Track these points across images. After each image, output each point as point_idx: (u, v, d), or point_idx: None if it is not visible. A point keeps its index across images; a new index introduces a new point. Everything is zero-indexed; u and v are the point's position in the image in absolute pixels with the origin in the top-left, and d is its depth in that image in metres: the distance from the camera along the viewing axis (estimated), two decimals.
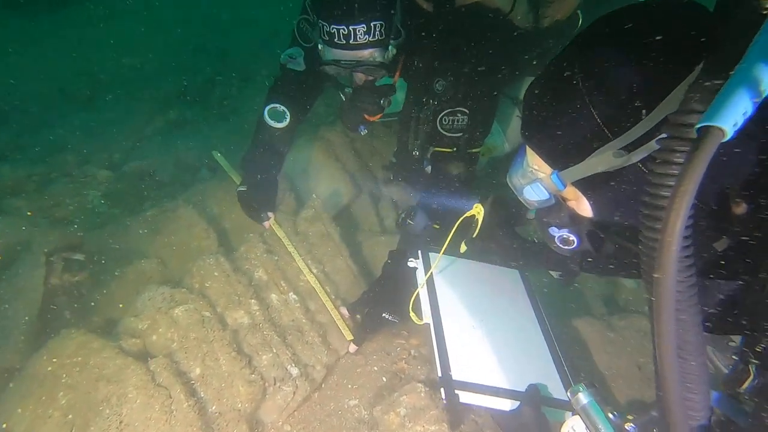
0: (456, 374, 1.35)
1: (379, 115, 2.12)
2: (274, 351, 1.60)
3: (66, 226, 2.16)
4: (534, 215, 1.08)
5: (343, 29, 1.65)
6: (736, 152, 0.68)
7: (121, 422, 1.20)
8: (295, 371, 1.58)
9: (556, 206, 0.99)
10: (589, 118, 0.78)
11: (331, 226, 2.26)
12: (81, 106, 3.53)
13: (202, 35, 4.98)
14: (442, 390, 1.30)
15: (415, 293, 1.63)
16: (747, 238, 0.77)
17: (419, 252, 1.80)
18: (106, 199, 2.46)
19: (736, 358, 0.97)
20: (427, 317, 1.56)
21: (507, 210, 1.54)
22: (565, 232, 0.99)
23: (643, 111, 0.73)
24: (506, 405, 1.34)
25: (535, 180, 0.94)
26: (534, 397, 1.27)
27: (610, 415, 1.01)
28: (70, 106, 3.48)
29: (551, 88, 0.85)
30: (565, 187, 0.88)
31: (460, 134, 2.02)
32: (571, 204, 0.96)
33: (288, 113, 2.13)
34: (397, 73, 2.02)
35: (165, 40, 4.86)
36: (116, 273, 1.85)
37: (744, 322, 0.85)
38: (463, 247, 1.63)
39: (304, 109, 2.32)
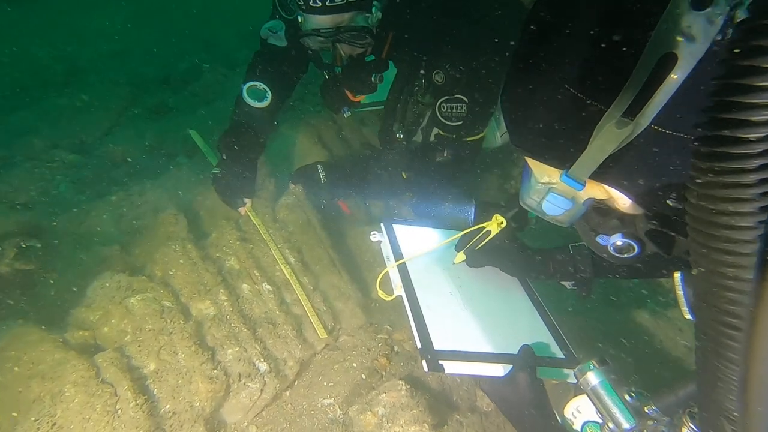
0: (438, 343, 1.20)
1: (362, 96, 1.99)
2: (242, 345, 1.46)
3: (25, 212, 2.00)
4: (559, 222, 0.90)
5: None
6: None
7: (53, 425, 1.05)
8: (263, 367, 1.44)
9: (597, 210, 0.83)
10: (569, 97, 0.64)
11: (312, 214, 2.12)
12: (55, 90, 3.36)
13: (187, 22, 4.83)
14: (424, 363, 1.14)
15: (384, 272, 1.46)
16: None
17: (382, 224, 1.64)
18: (72, 185, 2.31)
19: None
20: (398, 288, 1.40)
21: (519, 220, 1.39)
22: (618, 238, 0.82)
23: (630, 55, 0.58)
24: (498, 370, 1.18)
25: (549, 191, 0.80)
26: (528, 358, 1.11)
27: (627, 397, 0.86)
28: (42, 91, 3.32)
29: (519, 89, 0.72)
30: (583, 186, 0.73)
31: (459, 122, 1.90)
32: (613, 204, 0.80)
33: (269, 92, 1.98)
34: (385, 51, 1.89)
35: (148, 28, 4.71)
36: (74, 260, 1.70)
37: None
38: (460, 258, 1.49)
39: (288, 88, 2.17)
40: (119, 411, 1.13)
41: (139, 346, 1.31)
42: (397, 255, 1.51)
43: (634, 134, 0.62)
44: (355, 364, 1.58)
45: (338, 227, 2.18)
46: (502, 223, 1.36)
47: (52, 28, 4.49)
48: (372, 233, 1.60)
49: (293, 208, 2.09)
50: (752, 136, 0.42)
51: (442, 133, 1.95)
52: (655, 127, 0.61)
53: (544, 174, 0.79)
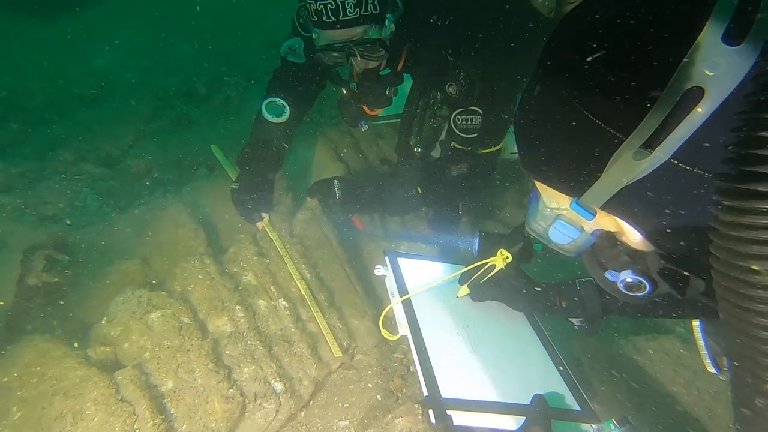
0: (445, 392, 1.13)
1: (379, 110, 1.99)
2: (257, 363, 1.46)
3: (53, 224, 2.07)
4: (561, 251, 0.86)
5: (330, 3, 1.52)
6: None
7: None
8: (279, 387, 1.43)
9: (606, 243, 0.79)
10: (587, 123, 0.61)
11: (329, 229, 2.12)
12: (85, 104, 3.49)
13: (209, 36, 4.96)
14: (430, 412, 1.08)
15: (388, 307, 1.40)
16: None
17: (386, 258, 1.60)
18: (98, 197, 2.38)
19: None
20: (404, 328, 1.34)
21: (524, 254, 1.35)
22: (629, 275, 0.78)
23: (656, 86, 0.55)
24: (510, 423, 1.11)
25: (557, 218, 0.77)
26: (542, 410, 1.04)
27: None
28: (73, 105, 3.45)
29: (537, 111, 0.69)
30: (593, 215, 0.70)
31: (474, 135, 1.88)
32: (623, 238, 0.76)
33: (287, 108, 2.01)
34: (401, 64, 1.89)
35: (172, 42, 4.86)
36: (98, 274, 1.74)
37: None
38: (464, 291, 1.44)
39: (306, 104, 2.20)
40: (137, 431, 1.14)
41: (157, 363, 1.32)
42: (402, 290, 1.45)
43: (651, 167, 0.60)
44: (370, 385, 1.56)
45: (354, 243, 2.17)
46: (507, 258, 1.31)
47: (82, 43, 4.68)
48: (377, 267, 1.57)
49: (310, 223, 2.09)
50: None
51: (457, 145, 1.93)
52: (675, 162, 0.59)
53: (553, 200, 0.76)
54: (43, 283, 1.66)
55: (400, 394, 1.55)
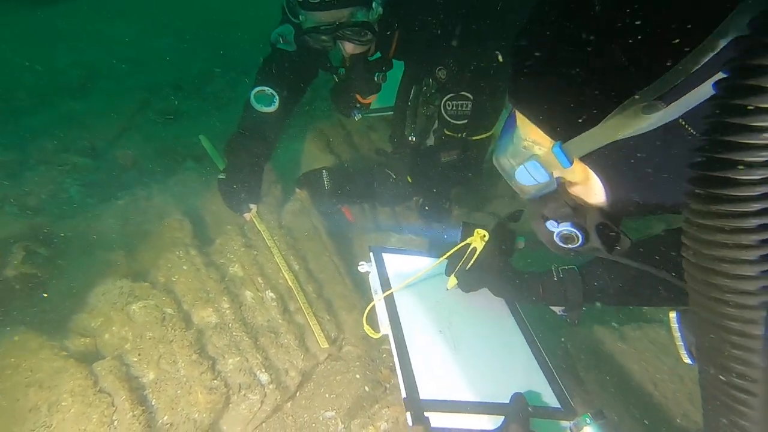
0: (424, 393, 1.12)
1: (373, 97, 1.96)
2: (243, 354, 1.43)
3: (34, 216, 2.02)
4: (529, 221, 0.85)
5: None
6: None
7: None
8: (264, 378, 1.40)
9: (555, 193, 0.76)
10: (611, 56, 0.54)
11: (318, 221, 2.10)
12: (71, 95, 3.42)
13: (202, 29, 4.89)
14: (408, 415, 1.07)
15: (371, 305, 1.39)
16: None
17: (371, 253, 1.57)
18: (82, 188, 2.33)
19: None
20: (385, 327, 1.32)
21: (505, 237, 1.33)
22: (567, 227, 0.76)
23: (688, 42, 0.49)
24: (488, 423, 1.10)
25: (531, 158, 0.71)
26: (521, 409, 1.03)
27: None
28: (59, 95, 3.38)
29: (550, 24, 0.60)
30: (571, 164, 0.65)
31: (465, 121, 1.84)
32: (576, 189, 0.73)
33: (277, 97, 1.96)
34: (392, 50, 1.85)
35: (164, 34, 4.78)
36: (79, 265, 1.70)
37: None
38: (452, 282, 1.42)
39: (296, 94, 2.15)
40: (116, 422, 1.11)
41: (139, 354, 1.29)
42: (385, 286, 1.44)
43: (656, 124, 0.55)
44: (358, 376, 1.54)
45: (344, 234, 2.15)
46: (484, 236, 1.30)
47: (72, 34, 4.59)
48: (360, 263, 1.55)
49: (299, 214, 2.07)
50: (754, 177, 0.38)
51: (447, 132, 1.89)
52: (682, 122, 0.55)
53: (530, 136, 0.70)
54: (22, 274, 1.62)
55: (388, 385, 1.53)
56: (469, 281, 1.38)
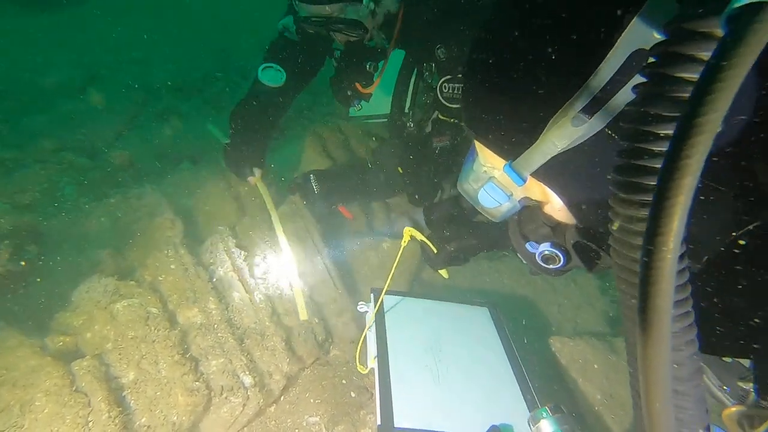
0: (399, 421, 1.17)
1: (372, 88, 1.95)
2: (227, 356, 1.40)
3: (26, 213, 2.02)
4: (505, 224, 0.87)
5: None
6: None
7: None
8: (248, 380, 1.37)
9: (531, 214, 0.78)
10: (532, 78, 0.58)
11: (311, 224, 2.08)
12: (71, 96, 3.45)
13: (204, 33, 4.94)
14: None
15: (362, 336, 1.46)
16: None
17: (372, 294, 1.64)
18: (77, 187, 2.33)
19: (748, 388, 0.73)
20: (372, 361, 1.39)
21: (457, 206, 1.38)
22: (547, 248, 0.78)
23: (601, 48, 0.51)
24: None
25: (489, 180, 0.74)
26: None
27: None
28: (61, 96, 3.41)
29: (481, 65, 0.65)
30: (524, 181, 0.67)
31: (459, 105, 1.82)
32: (547, 209, 0.75)
33: (284, 73, 1.99)
34: (396, 30, 1.83)
35: (167, 38, 4.83)
36: (67, 263, 1.68)
37: (759, 342, 0.59)
38: (446, 274, 1.49)
39: (303, 75, 2.16)
40: (91, 423, 1.08)
41: (119, 354, 1.27)
42: (380, 325, 1.50)
43: (587, 135, 0.57)
44: (344, 381, 1.51)
45: (337, 238, 2.13)
46: (412, 234, 1.40)
47: (76, 37, 4.65)
48: (359, 304, 1.61)
49: (291, 217, 2.05)
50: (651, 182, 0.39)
51: (441, 116, 1.86)
52: (609, 132, 0.55)
53: (488, 160, 0.74)
54: (8, 271, 1.60)
55: (374, 391, 1.50)
56: (442, 259, 1.43)
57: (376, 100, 2.22)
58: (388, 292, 1.64)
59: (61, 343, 1.28)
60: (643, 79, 0.41)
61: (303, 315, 1.54)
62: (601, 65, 0.52)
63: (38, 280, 1.61)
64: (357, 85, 1.88)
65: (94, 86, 3.71)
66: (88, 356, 1.24)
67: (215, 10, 5.67)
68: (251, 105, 1.96)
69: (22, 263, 1.66)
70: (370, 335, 1.46)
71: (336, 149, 2.65)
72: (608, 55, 0.51)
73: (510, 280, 2.02)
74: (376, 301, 1.58)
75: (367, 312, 1.59)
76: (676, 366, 0.42)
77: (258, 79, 1.97)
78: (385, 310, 1.57)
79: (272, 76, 1.95)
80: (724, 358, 0.80)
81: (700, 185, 0.43)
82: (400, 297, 1.67)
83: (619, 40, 0.50)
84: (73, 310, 1.38)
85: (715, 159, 0.46)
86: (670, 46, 0.37)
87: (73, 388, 1.12)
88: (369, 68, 1.79)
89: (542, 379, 1.44)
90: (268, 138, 1.99)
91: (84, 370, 1.17)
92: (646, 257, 0.38)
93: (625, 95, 0.53)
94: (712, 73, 0.34)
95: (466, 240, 1.40)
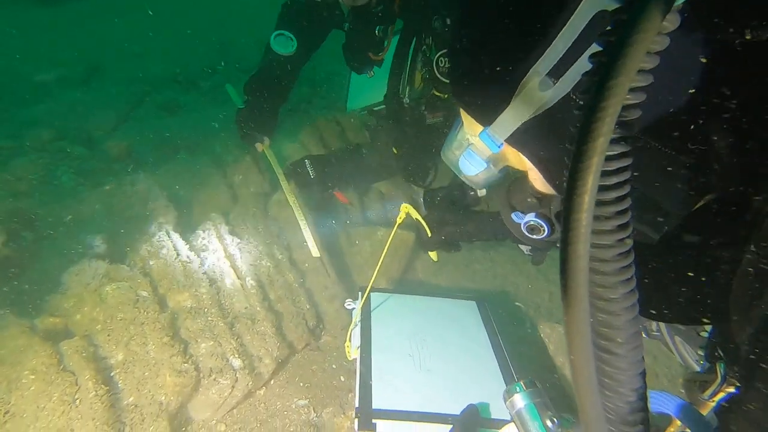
0: (377, 402, 1.19)
1: (383, 55, 1.96)
2: (216, 339, 1.41)
3: (22, 199, 2.03)
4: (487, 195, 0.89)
5: None
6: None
7: (6, 412, 1.02)
8: (237, 363, 1.38)
9: (520, 185, 0.79)
10: (503, 40, 0.57)
11: (305, 212, 2.08)
12: (72, 87, 3.46)
13: (205, 26, 4.94)
14: (356, 421, 1.13)
15: (349, 332, 1.50)
16: (736, 191, 0.51)
17: (360, 293, 1.67)
18: (74, 176, 2.34)
19: (702, 354, 0.74)
20: (355, 351, 1.43)
21: (451, 194, 1.39)
22: (531, 218, 0.79)
23: (565, 13, 0.50)
24: (436, 431, 1.15)
25: (468, 147, 0.75)
26: (469, 419, 1.08)
27: (549, 423, 0.78)
28: (63, 87, 3.43)
29: (465, 23, 0.65)
30: (498, 147, 0.67)
31: None
32: (530, 178, 0.74)
33: (295, 41, 2.04)
34: (397, 2, 1.81)
35: (169, 31, 4.83)
36: (61, 247, 1.70)
37: (715, 309, 0.59)
38: (435, 257, 1.54)
39: (314, 39, 2.19)
40: (77, 401, 1.09)
41: (108, 335, 1.27)
42: (366, 319, 1.54)
43: (554, 100, 0.56)
44: (334, 366, 1.51)
45: (332, 226, 2.13)
46: (408, 211, 1.42)
47: (78, 30, 4.67)
48: (347, 301, 1.65)
49: (285, 204, 2.05)
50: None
51: (436, 92, 1.84)
52: (574, 97, 0.55)
53: (470, 127, 0.74)
54: (3, 256, 1.62)
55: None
56: (433, 242, 1.44)
57: (375, 88, 2.21)
58: (376, 290, 1.71)
59: (51, 324, 1.29)
60: (599, 48, 0.40)
61: (315, 252, 1.58)
62: (564, 28, 0.51)
63: (33, 265, 1.63)
64: (369, 54, 1.88)
65: (94, 78, 3.73)
66: (76, 336, 1.25)
67: (214, 4, 5.67)
68: (264, 74, 2.04)
69: (17, 248, 1.67)
70: (356, 331, 1.49)
71: (333, 141, 2.65)
72: (571, 18, 0.50)
73: (503, 270, 2.01)
74: (363, 297, 1.60)
75: (354, 309, 1.62)
76: (610, 329, 0.42)
77: (270, 47, 2.02)
78: (372, 307, 1.60)
79: (284, 44, 2.01)
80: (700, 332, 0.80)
81: (660, 149, 0.42)
82: (388, 294, 1.72)
83: (581, 3, 0.49)
84: (63, 293, 1.39)
85: (672, 127, 0.45)
86: (623, 13, 0.37)
87: (61, 367, 1.13)
88: (378, 33, 1.78)
89: (531, 363, 1.43)
90: (278, 107, 2.09)
91: (72, 349, 1.18)
92: (564, 219, 0.38)
93: (586, 60, 0.52)
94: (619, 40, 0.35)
95: (463, 227, 1.40)
